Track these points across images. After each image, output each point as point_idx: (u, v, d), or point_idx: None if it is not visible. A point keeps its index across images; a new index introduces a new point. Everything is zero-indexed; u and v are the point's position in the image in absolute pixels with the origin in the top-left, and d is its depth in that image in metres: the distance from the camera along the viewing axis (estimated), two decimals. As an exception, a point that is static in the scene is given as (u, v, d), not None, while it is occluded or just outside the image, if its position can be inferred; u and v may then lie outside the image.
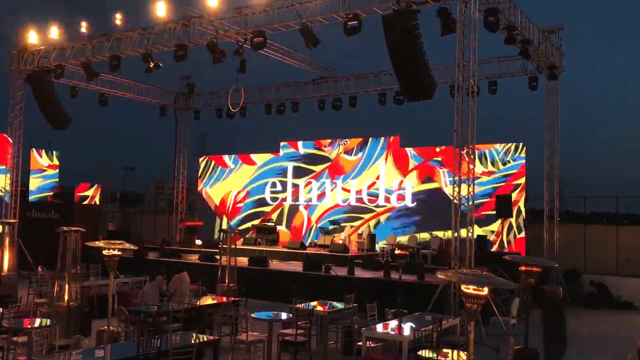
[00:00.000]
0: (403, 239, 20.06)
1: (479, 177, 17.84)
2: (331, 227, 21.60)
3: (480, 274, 5.51)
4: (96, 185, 25.51)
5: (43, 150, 24.45)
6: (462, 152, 12.80)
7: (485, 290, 5.37)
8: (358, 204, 21.64)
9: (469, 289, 5.18)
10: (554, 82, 17.41)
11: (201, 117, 24.91)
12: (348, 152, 22.14)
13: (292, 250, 19.77)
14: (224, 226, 23.85)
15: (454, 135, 12.97)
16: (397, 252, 10.63)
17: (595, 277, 17.25)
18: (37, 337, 8.31)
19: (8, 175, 19.41)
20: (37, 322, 9.10)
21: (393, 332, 8.99)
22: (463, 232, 12.70)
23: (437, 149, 20.20)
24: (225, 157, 24.84)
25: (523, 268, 8.00)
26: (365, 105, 21.07)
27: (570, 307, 14.35)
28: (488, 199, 18.45)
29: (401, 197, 20.72)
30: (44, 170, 24.17)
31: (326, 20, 14.37)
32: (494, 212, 17.16)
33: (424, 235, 19.56)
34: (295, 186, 23.18)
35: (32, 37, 18.60)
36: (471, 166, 12.92)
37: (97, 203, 24.70)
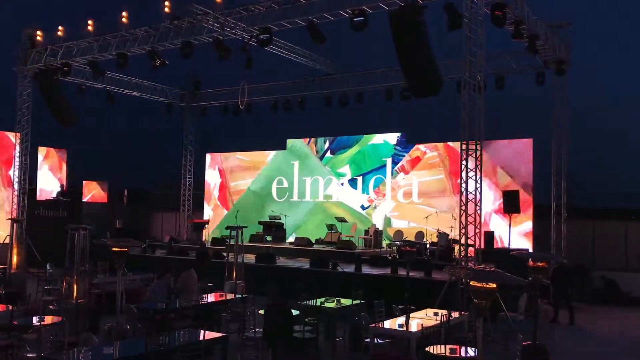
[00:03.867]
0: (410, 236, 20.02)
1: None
2: (337, 223, 21.58)
3: (489, 270, 5.48)
4: (103, 182, 25.59)
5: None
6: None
7: (494, 286, 5.36)
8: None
9: (477, 285, 5.17)
10: (562, 77, 17.27)
11: (207, 115, 24.96)
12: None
13: (299, 247, 19.78)
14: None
15: (461, 130, 12.94)
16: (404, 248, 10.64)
17: (605, 273, 17.15)
18: (46, 335, 8.35)
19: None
20: (46, 319, 9.13)
21: (401, 329, 8.97)
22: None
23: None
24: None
25: (531, 264, 7.96)
26: (372, 101, 21.05)
27: (579, 304, 14.28)
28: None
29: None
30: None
31: (332, 17, 14.34)
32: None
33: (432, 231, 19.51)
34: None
35: (39, 36, 18.67)
36: (478, 162, 12.86)
37: (105, 201, 24.75)
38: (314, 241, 21.00)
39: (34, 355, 8.21)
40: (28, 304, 10.75)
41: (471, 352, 7.74)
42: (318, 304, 10.71)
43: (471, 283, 5.11)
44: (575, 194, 18.14)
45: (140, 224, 26.35)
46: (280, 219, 22.72)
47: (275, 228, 21.90)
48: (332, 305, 10.94)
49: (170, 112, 24.17)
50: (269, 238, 21.18)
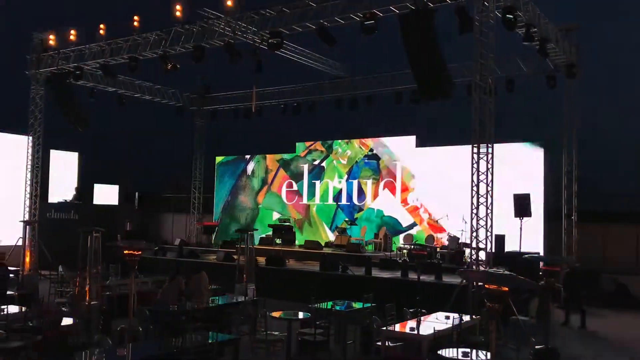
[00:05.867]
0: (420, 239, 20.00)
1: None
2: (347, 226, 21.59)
3: (502, 273, 5.48)
4: (115, 185, 25.77)
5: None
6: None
7: (506, 289, 5.36)
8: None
9: (490, 288, 5.17)
10: (572, 80, 17.21)
11: (217, 118, 25.05)
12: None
13: (308, 250, 19.81)
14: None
15: (472, 134, 12.93)
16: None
17: (616, 277, 17.04)
18: (60, 336, 8.41)
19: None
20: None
21: (412, 332, 8.96)
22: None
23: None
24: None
25: (544, 268, 7.95)
26: (381, 104, 21.04)
27: (590, 307, 14.18)
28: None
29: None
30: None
31: (343, 20, 14.38)
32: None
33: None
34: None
35: (51, 40, 18.83)
36: (489, 165, 12.85)
37: (115, 203, 24.93)
38: (323, 244, 21.07)
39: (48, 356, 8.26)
40: (41, 306, 10.82)
41: (482, 355, 7.72)
42: (328, 306, 10.72)
43: (485, 286, 5.12)
44: (587, 197, 18.04)
45: (151, 227, 26.49)
46: (289, 222, 22.78)
47: (284, 231, 21.97)
48: (342, 308, 10.95)
49: (181, 116, 24.30)
50: (278, 241, 21.25)
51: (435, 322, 9.56)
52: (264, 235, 21.98)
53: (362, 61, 23.04)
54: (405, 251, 18.76)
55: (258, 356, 9.37)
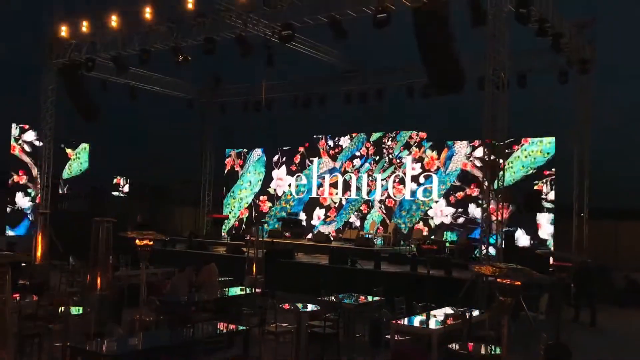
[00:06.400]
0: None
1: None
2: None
3: (515, 267, 5.46)
4: (125, 177, 25.91)
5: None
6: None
7: (519, 283, 5.34)
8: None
9: (503, 281, 5.16)
10: (585, 76, 17.05)
11: (227, 111, 25.05)
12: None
13: (317, 244, 19.84)
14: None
15: (484, 129, 12.86)
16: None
17: (627, 274, 16.95)
18: (72, 325, 8.48)
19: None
20: (71, 310, 9.27)
21: (422, 325, 8.96)
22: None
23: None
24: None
25: (556, 264, 7.92)
26: (392, 99, 20.98)
27: (600, 304, 14.10)
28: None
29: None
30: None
31: (355, 13, 14.31)
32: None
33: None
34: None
35: (63, 31, 18.85)
36: (501, 161, 12.79)
37: (126, 195, 25.08)
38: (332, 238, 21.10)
39: (60, 344, 8.33)
40: (54, 295, 10.91)
41: (492, 350, 7.70)
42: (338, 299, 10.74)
43: (498, 280, 5.11)
44: (598, 193, 17.93)
45: (161, 219, 26.59)
46: (299, 216, 22.83)
47: (293, 224, 22.04)
48: (351, 301, 10.97)
49: (191, 108, 24.31)
50: (287, 234, 21.32)
51: (445, 316, 9.55)
52: (273, 228, 22.05)
53: (372, 55, 22.92)
54: (414, 246, 18.75)
55: (267, 347, 9.40)
